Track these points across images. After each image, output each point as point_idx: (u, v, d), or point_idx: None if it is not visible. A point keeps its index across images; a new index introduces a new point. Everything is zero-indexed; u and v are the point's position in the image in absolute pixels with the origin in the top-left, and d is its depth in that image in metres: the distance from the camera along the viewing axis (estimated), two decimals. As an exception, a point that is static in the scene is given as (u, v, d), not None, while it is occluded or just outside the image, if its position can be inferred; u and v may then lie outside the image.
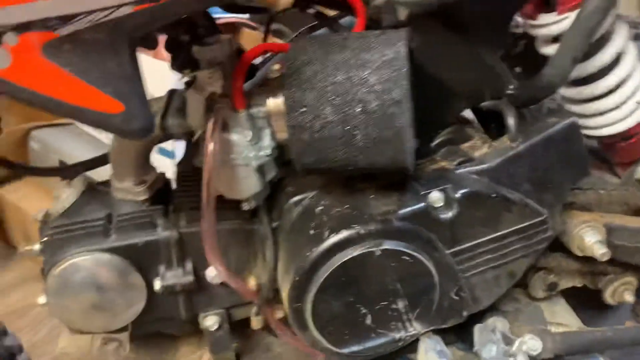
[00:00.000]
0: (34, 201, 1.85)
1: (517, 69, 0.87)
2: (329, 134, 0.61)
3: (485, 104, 0.78)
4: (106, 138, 1.88)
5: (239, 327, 0.87)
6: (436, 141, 0.78)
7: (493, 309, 0.82)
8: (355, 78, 0.59)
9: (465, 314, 0.77)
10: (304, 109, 0.60)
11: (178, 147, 1.62)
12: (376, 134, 0.60)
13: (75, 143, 1.88)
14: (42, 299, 0.75)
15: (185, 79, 0.68)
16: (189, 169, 0.84)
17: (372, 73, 0.58)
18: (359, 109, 0.59)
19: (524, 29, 0.85)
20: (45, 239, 0.72)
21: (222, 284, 0.77)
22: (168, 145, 1.61)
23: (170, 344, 0.89)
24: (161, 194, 0.78)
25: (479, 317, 0.80)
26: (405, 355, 0.85)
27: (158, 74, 1.01)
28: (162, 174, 0.79)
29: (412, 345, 0.77)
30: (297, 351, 0.86)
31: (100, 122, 0.47)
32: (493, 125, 0.82)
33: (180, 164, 0.86)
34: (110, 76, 0.46)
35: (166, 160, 1.54)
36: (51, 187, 1.90)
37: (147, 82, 0.50)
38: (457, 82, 0.75)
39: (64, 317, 0.73)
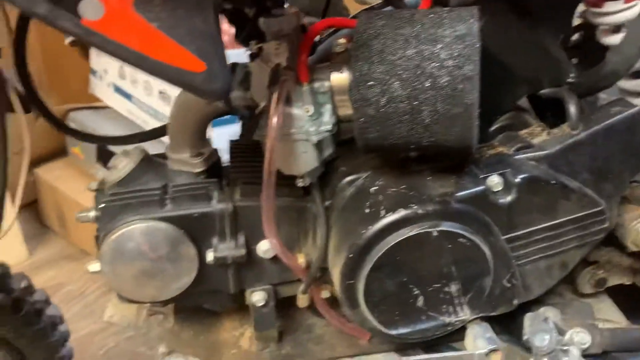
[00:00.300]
0: (68, 181, 1.88)
1: (573, 60, 0.86)
2: (396, 109, 0.60)
3: (544, 91, 0.77)
4: (142, 122, 1.90)
5: (281, 307, 0.87)
6: (494, 126, 0.77)
7: (538, 302, 0.81)
8: (426, 52, 0.58)
9: (515, 302, 0.76)
10: (371, 83, 0.60)
11: (215, 134, 1.63)
12: (444, 111, 0.59)
13: (111, 125, 1.90)
14: (93, 267, 0.76)
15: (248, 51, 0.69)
16: (242, 144, 0.85)
17: (443, 48, 0.58)
18: (428, 84, 0.59)
19: (583, 18, 0.84)
20: (102, 206, 0.73)
21: (272, 259, 0.77)
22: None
23: (212, 319, 0.89)
24: (215, 168, 0.78)
25: (525, 307, 0.79)
26: (448, 344, 0.85)
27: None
28: (216, 149, 0.80)
29: (454, 334, 0.77)
30: (339, 333, 0.86)
31: (181, 80, 0.47)
32: (549, 114, 0.81)
33: (232, 141, 0.86)
34: (195, 34, 0.46)
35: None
36: (86, 168, 1.93)
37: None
38: (519, 67, 0.74)
39: (116, 284, 0.74)
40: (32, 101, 0.70)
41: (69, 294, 1.71)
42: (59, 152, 2.12)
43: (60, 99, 2.16)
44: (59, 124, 0.74)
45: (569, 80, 0.75)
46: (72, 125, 1.99)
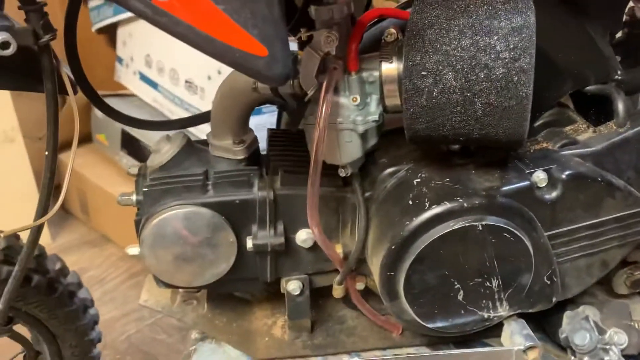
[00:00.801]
0: (92, 168, 1.89)
1: (617, 57, 0.85)
2: (448, 100, 0.60)
3: (590, 87, 0.76)
4: (168, 111, 1.91)
5: (313, 298, 0.87)
6: (538, 122, 0.76)
7: (571, 301, 0.80)
8: (481, 43, 0.58)
9: (554, 300, 0.75)
10: (424, 73, 0.60)
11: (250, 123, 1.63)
12: (497, 103, 0.59)
13: (136, 113, 1.90)
14: (132, 250, 0.77)
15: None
16: (281, 132, 0.85)
17: (499, 39, 0.57)
18: (483, 76, 0.58)
19: (629, 16, 0.83)
20: (145, 189, 0.73)
21: (309, 249, 0.77)
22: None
23: (244, 308, 0.89)
24: (256, 156, 0.78)
25: (558, 307, 0.79)
26: (482, 340, 0.84)
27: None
28: (256, 137, 0.79)
29: (488, 330, 0.76)
30: (371, 326, 0.86)
31: (245, 63, 0.47)
32: (593, 111, 0.80)
33: (271, 129, 0.86)
34: (258, 19, 0.46)
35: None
36: (110, 155, 1.95)
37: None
38: (566, 62, 0.73)
39: (155, 268, 0.74)
40: (80, 84, 0.71)
41: (91, 280, 1.72)
42: (84, 139, 2.13)
43: (85, 86, 2.16)
44: (105, 107, 0.75)
45: (617, 77, 0.74)
46: (98, 112, 2.00)
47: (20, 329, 0.90)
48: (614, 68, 0.75)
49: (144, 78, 1.96)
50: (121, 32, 2.01)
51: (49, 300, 0.90)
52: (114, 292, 1.68)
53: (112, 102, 2.16)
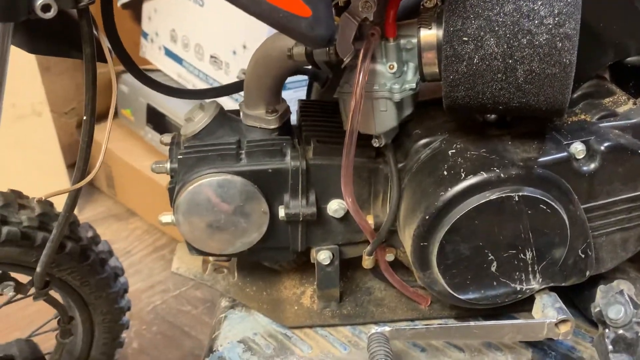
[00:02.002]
0: (118, 143, 1.90)
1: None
2: (489, 66, 0.59)
3: (630, 59, 0.74)
4: (192, 86, 1.91)
5: (341, 269, 0.87)
6: (576, 94, 0.75)
7: (602, 277, 0.79)
8: (524, 8, 0.57)
9: (588, 274, 0.75)
10: (465, 38, 0.59)
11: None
12: (540, 70, 0.58)
13: (162, 89, 1.91)
14: (165, 218, 0.77)
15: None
16: (312, 103, 0.84)
17: (543, 4, 0.56)
18: (525, 42, 0.57)
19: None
20: (179, 157, 0.73)
21: (340, 219, 0.77)
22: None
23: (273, 278, 0.90)
24: (288, 126, 0.78)
25: (592, 280, 0.78)
26: (511, 314, 0.84)
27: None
28: (289, 107, 0.79)
29: (519, 304, 0.76)
30: (398, 296, 0.86)
31: (288, 24, 0.46)
32: (632, 83, 0.78)
33: (301, 100, 0.86)
34: (302, -22, 0.46)
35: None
36: (136, 130, 1.96)
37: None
38: (608, 31, 0.71)
39: (189, 235, 0.75)
40: (116, 52, 0.71)
41: (117, 252, 1.73)
42: (107, 113, 2.15)
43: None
44: (141, 75, 0.75)
45: (659, 48, 0.72)
46: (123, 87, 2.01)
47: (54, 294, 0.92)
48: (656, 38, 0.73)
49: (169, 53, 1.96)
50: (146, 7, 2.01)
51: (82, 267, 0.92)
52: (139, 264, 1.70)
53: (137, 78, 2.15)
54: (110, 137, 2.15)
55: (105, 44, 0.63)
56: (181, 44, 1.87)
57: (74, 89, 1.97)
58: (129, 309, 1.11)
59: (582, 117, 0.73)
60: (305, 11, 0.47)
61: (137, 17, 2.02)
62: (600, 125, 0.70)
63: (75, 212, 2.04)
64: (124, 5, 1.99)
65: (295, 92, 1.47)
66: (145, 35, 2.04)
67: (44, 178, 1.75)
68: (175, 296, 1.60)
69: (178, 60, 1.91)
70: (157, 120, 1.81)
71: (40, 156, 1.77)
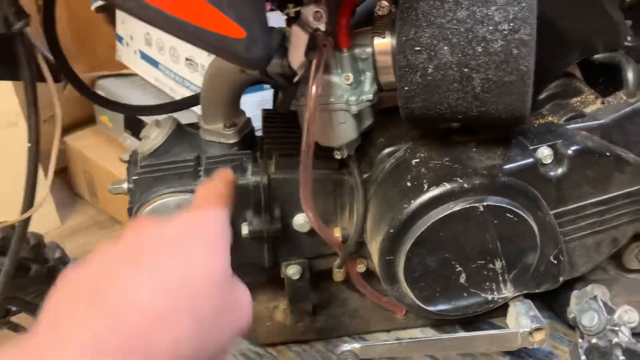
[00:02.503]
0: (97, 150, 1.88)
1: (628, 22, 0.80)
2: (444, 76, 0.57)
3: (598, 56, 0.72)
4: (169, 90, 1.88)
5: (316, 280, 0.85)
6: (543, 95, 0.73)
7: (581, 278, 0.78)
8: (478, 14, 0.54)
9: (561, 279, 0.73)
10: (418, 48, 0.56)
11: (243, 102, 1.60)
12: (497, 78, 0.55)
13: (139, 93, 1.89)
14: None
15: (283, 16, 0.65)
16: (275, 113, 0.82)
17: (497, 10, 0.54)
18: (480, 50, 0.55)
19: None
20: (134, 178, 0.71)
21: (308, 233, 0.75)
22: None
23: (246, 292, 0.88)
24: (249, 139, 0.76)
25: (568, 284, 0.76)
26: (487, 320, 0.83)
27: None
28: (250, 119, 0.77)
29: (495, 310, 0.74)
30: (374, 308, 0.84)
31: (221, 46, 0.44)
32: (601, 80, 0.76)
33: (265, 110, 0.83)
34: (233, -2, 0.43)
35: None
36: (114, 136, 1.93)
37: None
38: (572, 29, 0.69)
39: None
40: (61, 70, 0.68)
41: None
42: (88, 120, 2.12)
43: (87, 66, 2.15)
44: (89, 93, 0.72)
45: (627, 43, 0.70)
46: (100, 93, 1.98)
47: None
48: (623, 34, 0.70)
49: (144, 57, 1.93)
50: (120, 11, 1.97)
51: (50, 288, 0.89)
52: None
53: (115, 82, 2.14)
54: (89, 144, 2.11)
55: (47, 64, 0.60)
56: (156, 47, 1.83)
57: (51, 97, 1.94)
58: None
59: (550, 118, 0.71)
60: (239, 32, 0.44)
61: (112, 20, 1.98)
62: (568, 127, 0.68)
63: (58, 222, 2.00)
64: (98, 9, 1.95)
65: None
66: (120, 39, 2.01)
67: (20, 189, 1.73)
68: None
69: (154, 63, 1.88)
70: (136, 126, 1.78)
71: (16, 167, 1.74)
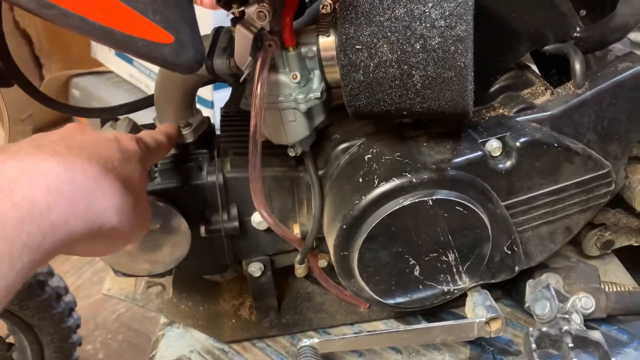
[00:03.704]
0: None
1: (582, 12, 0.80)
2: (385, 74, 0.57)
3: (548, 47, 0.73)
4: (145, 86, 1.87)
5: (280, 276, 0.86)
6: (494, 87, 0.73)
7: (542, 265, 0.79)
8: (416, 12, 0.54)
9: (517, 269, 0.74)
10: (359, 47, 0.57)
11: (216, 97, 1.60)
12: (436, 74, 0.56)
13: (114, 91, 1.88)
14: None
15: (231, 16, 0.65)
16: (233, 112, 0.82)
17: (434, 6, 0.54)
18: (419, 47, 0.55)
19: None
20: (90, 180, 0.71)
21: (267, 230, 0.76)
22: (207, 94, 1.59)
23: (212, 290, 0.89)
24: (205, 138, 0.76)
25: (527, 272, 0.77)
26: (449, 309, 0.84)
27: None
28: (207, 118, 0.77)
29: (455, 300, 0.75)
30: (339, 301, 0.85)
31: (149, 52, 0.44)
32: (554, 71, 0.76)
33: (224, 108, 0.83)
34: (159, 3, 0.43)
35: (205, 110, 1.52)
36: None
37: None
38: (520, 21, 0.69)
39: (110, 259, 0.73)
40: (12, 74, 0.68)
41: (80, 261, 1.73)
42: (65, 119, 2.11)
43: (62, 64, 2.14)
44: (39, 95, 0.72)
45: (575, 34, 0.70)
46: (75, 92, 1.97)
47: None
48: (572, 25, 0.71)
49: (119, 54, 1.91)
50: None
51: (18, 292, 0.90)
52: (102, 272, 1.68)
53: (90, 80, 2.12)
54: (66, 143, 2.09)
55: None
56: (130, 44, 1.83)
57: (29, 97, 1.93)
58: (78, 326, 1.10)
59: (501, 111, 0.72)
60: (167, 37, 0.44)
61: (85, 18, 1.97)
62: (517, 119, 0.69)
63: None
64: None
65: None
66: (94, 36, 1.99)
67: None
68: (141, 302, 1.58)
69: (129, 60, 1.87)
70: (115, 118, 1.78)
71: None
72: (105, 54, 1.98)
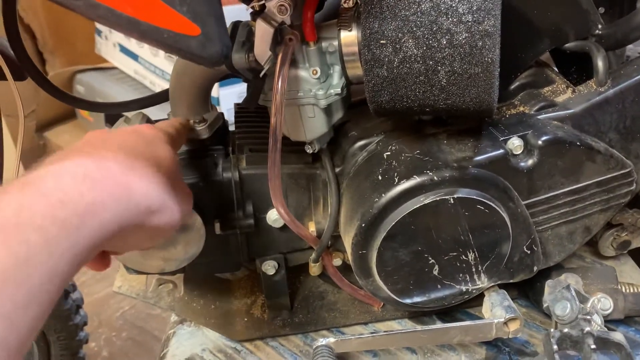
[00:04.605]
0: (79, 145, 1.86)
1: (600, 10, 0.80)
2: (410, 69, 0.56)
3: (569, 45, 0.72)
4: (149, 82, 1.86)
5: (293, 274, 0.85)
6: (514, 84, 0.72)
7: (558, 266, 0.78)
8: (442, 6, 0.53)
9: (535, 269, 0.73)
10: (383, 41, 0.56)
11: (222, 94, 1.59)
12: (462, 70, 0.55)
13: (118, 86, 1.87)
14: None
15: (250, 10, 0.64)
16: (252, 108, 0.81)
17: (461, 1, 0.53)
18: (445, 42, 0.54)
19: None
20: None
21: (282, 228, 0.75)
22: (213, 91, 1.58)
23: (223, 288, 0.88)
24: (220, 135, 0.75)
25: (544, 273, 0.77)
26: (464, 309, 0.83)
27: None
28: (221, 114, 0.76)
29: (471, 300, 0.74)
30: (352, 300, 0.84)
31: (175, 44, 0.43)
32: (573, 69, 0.76)
33: (237, 104, 0.82)
34: (186, -6, 0.42)
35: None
36: (95, 129, 1.92)
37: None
38: (542, 18, 0.69)
39: (122, 256, 0.72)
40: (26, 68, 0.67)
41: (84, 258, 1.72)
42: (69, 115, 2.10)
43: (66, 60, 2.12)
44: (53, 90, 0.71)
45: (597, 32, 0.70)
46: (79, 87, 1.96)
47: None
48: (594, 22, 0.70)
49: (124, 50, 1.90)
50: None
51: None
52: (118, 265, 1.67)
53: (94, 76, 2.12)
54: (70, 139, 2.10)
55: (4, 63, 0.59)
56: (135, 40, 1.81)
57: (33, 92, 1.92)
58: (85, 324, 1.09)
59: (521, 108, 0.71)
60: (193, 29, 0.43)
61: (90, 13, 1.96)
62: (539, 117, 0.68)
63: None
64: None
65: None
66: (99, 32, 1.98)
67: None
68: (145, 300, 1.57)
69: (133, 56, 1.86)
70: (116, 120, 1.76)
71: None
72: (109, 50, 1.97)
